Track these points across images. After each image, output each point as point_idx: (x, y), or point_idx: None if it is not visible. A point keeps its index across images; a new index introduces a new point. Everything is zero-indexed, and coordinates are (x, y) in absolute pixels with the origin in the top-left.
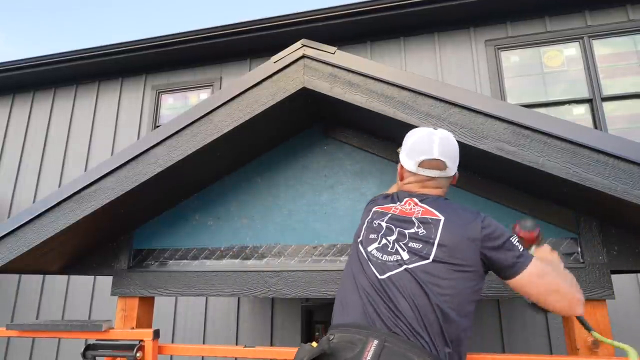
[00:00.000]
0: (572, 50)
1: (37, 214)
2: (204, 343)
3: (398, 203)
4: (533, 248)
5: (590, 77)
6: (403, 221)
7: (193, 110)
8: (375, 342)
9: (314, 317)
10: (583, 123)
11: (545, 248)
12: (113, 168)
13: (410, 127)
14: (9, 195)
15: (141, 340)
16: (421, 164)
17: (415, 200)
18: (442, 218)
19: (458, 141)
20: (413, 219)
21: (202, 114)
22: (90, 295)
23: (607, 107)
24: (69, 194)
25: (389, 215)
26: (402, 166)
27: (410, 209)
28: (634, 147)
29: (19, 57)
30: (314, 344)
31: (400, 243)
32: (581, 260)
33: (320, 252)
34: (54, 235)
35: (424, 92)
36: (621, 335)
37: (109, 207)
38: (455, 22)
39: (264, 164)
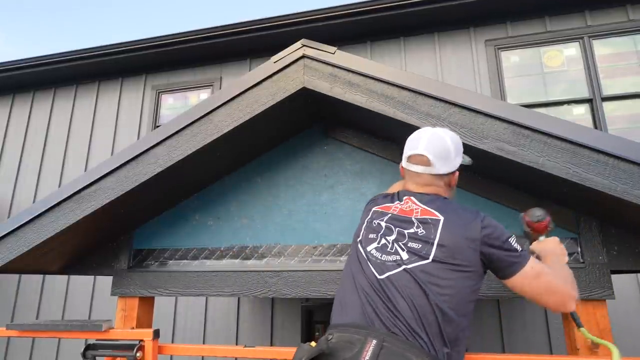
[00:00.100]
0: (572, 50)
1: (37, 214)
2: (204, 343)
3: (398, 202)
4: (541, 238)
5: (590, 77)
6: (402, 221)
7: (193, 110)
8: (374, 342)
9: (314, 317)
10: (583, 123)
11: (553, 240)
12: (113, 168)
13: (410, 127)
14: (9, 195)
15: (141, 340)
16: (409, 159)
17: (414, 199)
18: (441, 218)
19: None
20: (412, 219)
21: (202, 114)
22: (90, 295)
23: (607, 107)
24: (69, 194)
25: (389, 215)
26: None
27: (409, 207)
28: (634, 147)
29: (19, 57)
30: (313, 343)
31: (400, 243)
32: (581, 260)
33: (320, 252)
34: (54, 235)
35: (424, 92)
36: (621, 335)
37: (109, 207)
38: (455, 22)
39: (264, 164)
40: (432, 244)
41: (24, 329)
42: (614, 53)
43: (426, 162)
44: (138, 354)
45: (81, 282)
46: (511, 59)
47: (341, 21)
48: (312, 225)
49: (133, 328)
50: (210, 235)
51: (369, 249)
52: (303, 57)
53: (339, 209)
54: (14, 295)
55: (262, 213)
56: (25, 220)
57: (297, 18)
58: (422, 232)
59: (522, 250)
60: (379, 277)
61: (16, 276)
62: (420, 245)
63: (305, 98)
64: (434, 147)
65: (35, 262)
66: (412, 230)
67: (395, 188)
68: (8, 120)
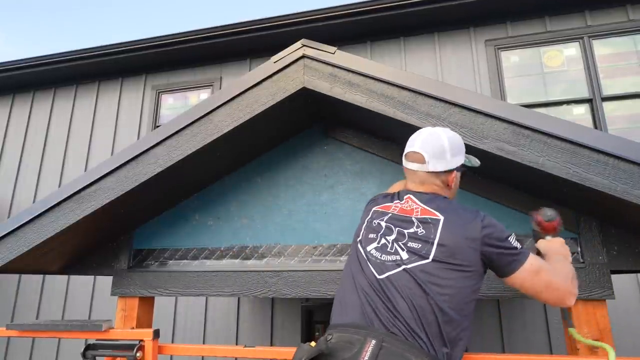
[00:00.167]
0: (572, 50)
1: (37, 214)
2: (204, 343)
3: (398, 201)
4: (548, 237)
5: (590, 77)
6: (402, 220)
7: (193, 110)
8: (373, 342)
9: (314, 317)
10: (583, 123)
11: (559, 240)
12: (113, 168)
13: (410, 127)
14: (9, 195)
15: (141, 340)
16: (406, 157)
17: (414, 198)
18: (441, 218)
19: None
20: (413, 218)
21: (202, 114)
22: (90, 295)
23: (607, 107)
24: (69, 194)
25: (389, 214)
26: None
27: (410, 207)
28: (634, 147)
29: (19, 57)
30: (313, 343)
31: (400, 243)
32: (581, 260)
33: (320, 252)
34: (54, 235)
35: (424, 92)
36: (621, 334)
37: (109, 207)
38: (455, 22)
39: (264, 164)
40: (432, 243)
41: (24, 329)
42: (614, 53)
43: (421, 159)
44: (138, 354)
45: (81, 282)
46: (511, 59)
47: (341, 21)
48: (312, 225)
49: (133, 328)
50: (210, 235)
51: (368, 248)
52: (303, 57)
53: (339, 209)
54: (14, 295)
55: (262, 213)
56: (25, 220)
57: (297, 18)
58: (422, 232)
59: (521, 247)
60: (378, 277)
61: (16, 276)
62: (420, 245)
63: (305, 98)
64: (429, 145)
65: (35, 262)
66: (412, 230)
67: (395, 188)
68: (8, 120)
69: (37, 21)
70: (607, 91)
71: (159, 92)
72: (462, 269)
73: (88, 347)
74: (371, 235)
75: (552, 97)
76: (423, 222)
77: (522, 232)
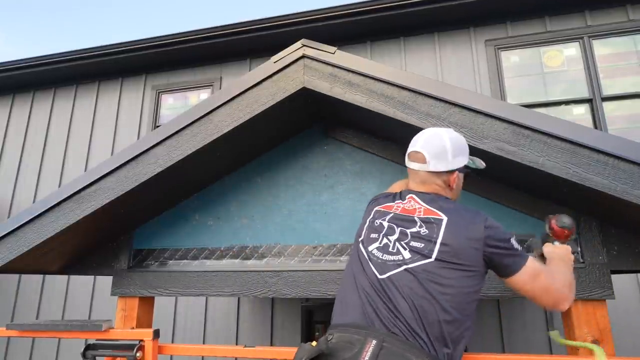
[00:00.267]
0: (572, 50)
1: (37, 214)
2: (204, 343)
3: (400, 201)
4: (556, 243)
5: (590, 77)
6: (405, 220)
7: (193, 110)
8: (374, 342)
9: (314, 317)
10: (583, 123)
11: (565, 247)
12: (113, 168)
13: (410, 127)
14: (9, 195)
15: (141, 340)
16: (408, 156)
17: (416, 198)
18: (444, 218)
19: None
20: (415, 218)
21: (202, 114)
22: (90, 295)
23: (607, 107)
24: (69, 194)
25: (391, 214)
26: None
27: (412, 206)
28: (634, 147)
29: (19, 57)
30: (314, 343)
31: (402, 242)
32: (581, 260)
33: (320, 252)
34: (54, 235)
35: (424, 92)
36: (621, 334)
37: (109, 207)
38: (455, 22)
39: (264, 164)
40: (435, 242)
41: (24, 329)
42: (614, 53)
43: (422, 159)
44: (138, 354)
45: (81, 282)
46: (511, 59)
47: (341, 21)
48: (312, 225)
49: (133, 328)
50: (210, 235)
51: (370, 248)
52: (303, 57)
53: (339, 209)
54: (14, 295)
55: (262, 213)
56: (25, 220)
57: (297, 18)
58: (425, 232)
59: (522, 250)
60: (379, 277)
61: (16, 276)
62: (423, 245)
63: (305, 98)
64: (430, 145)
65: (35, 262)
66: (414, 230)
67: (395, 187)
68: (8, 120)
69: (37, 21)
70: (607, 91)
71: (159, 92)
72: (465, 268)
73: (88, 347)
74: (373, 235)
75: (552, 97)
76: (426, 221)
77: (522, 232)
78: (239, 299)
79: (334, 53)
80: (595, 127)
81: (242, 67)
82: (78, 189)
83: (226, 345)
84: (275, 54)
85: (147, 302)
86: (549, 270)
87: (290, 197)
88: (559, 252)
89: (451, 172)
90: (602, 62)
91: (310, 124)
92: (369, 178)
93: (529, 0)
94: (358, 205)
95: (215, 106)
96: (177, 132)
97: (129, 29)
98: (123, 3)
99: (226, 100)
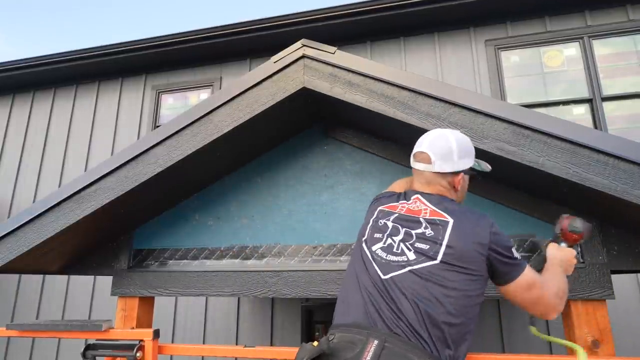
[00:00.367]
0: (572, 50)
1: (37, 214)
2: (204, 343)
3: (404, 201)
4: (563, 244)
5: (590, 77)
6: (410, 221)
7: (193, 110)
8: (376, 342)
9: (314, 317)
10: (583, 123)
11: (570, 251)
12: (113, 168)
13: (411, 127)
14: (9, 195)
15: (141, 340)
16: (414, 157)
17: (422, 199)
18: (450, 220)
19: None
20: (420, 219)
21: (202, 114)
22: (90, 295)
23: (607, 107)
24: (69, 194)
25: (395, 214)
26: None
27: (418, 207)
28: (634, 147)
29: (19, 57)
30: (316, 343)
31: (407, 243)
32: (581, 260)
33: (320, 252)
34: (54, 235)
35: (424, 92)
36: (621, 334)
37: (109, 207)
38: (455, 22)
39: (264, 164)
40: (441, 244)
41: (24, 329)
42: (614, 53)
43: (427, 159)
44: (138, 354)
45: (81, 282)
46: (511, 59)
47: (341, 21)
48: (312, 225)
49: (133, 328)
50: (210, 235)
51: (374, 248)
52: (303, 57)
53: (339, 209)
54: (14, 295)
55: (262, 213)
56: (25, 220)
57: (297, 18)
58: (431, 233)
59: (520, 259)
60: (383, 277)
61: (16, 276)
62: (428, 246)
63: (305, 98)
64: (436, 146)
65: (35, 262)
66: (419, 231)
67: (395, 186)
68: (8, 120)
69: (37, 21)
70: (607, 91)
71: (159, 92)
72: (468, 272)
73: (88, 347)
74: (377, 235)
75: (552, 97)
76: (431, 223)
77: (522, 232)
78: (239, 299)
79: (334, 53)
80: (595, 127)
81: (242, 67)
82: (78, 189)
83: (226, 345)
84: (275, 54)
85: (147, 302)
86: (543, 280)
87: (290, 197)
88: (561, 256)
89: (456, 173)
90: (602, 62)
91: (310, 124)
92: (369, 178)
93: (529, 0)
94: (358, 205)
95: (215, 106)
96: (177, 132)
97: (129, 29)
98: (123, 3)
99: (226, 100)
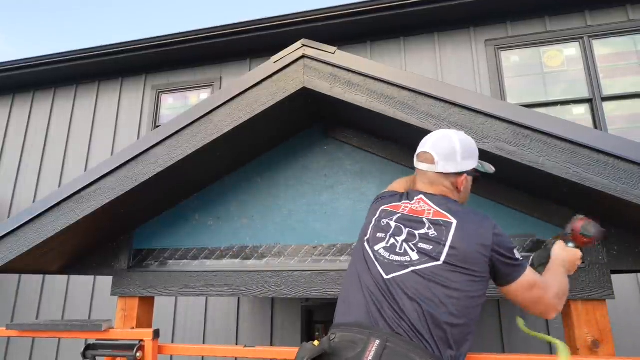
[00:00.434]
0: (572, 50)
1: (37, 214)
2: (204, 343)
3: (407, 201)
4: (570, 245)
5: (590, 77)
6: (413, 221)
7: (193, 110)
8: (377, 342)
9: (314, 317)
10: (583, 123)
11: (576, 252)
12: (113, 168)
13: (411, 127)
14: (9, 195)
15: (141, 340)
16: (417, 157)
17: (425, 199)
18: (454, 221)
19: None
20: (424, 219)
21: (202, 114)
22: (90, 295)
23: (607, 107)
24: (69, 194)
25: (398, 214)
26: None
27: (421, 208)
28: (634, 147)
29: (19, 57)
30: (316, 342)
31: (410, 243)
32: (582, 261)
33: (320, 252)
34: (54, 235)
35: (424, 92)
36: (621, 334)
37: (109, 207)
38: (455, 22)
39: (264, 164)
40: (444, 245)
41: (24, 329)
42: (614, 53)
43: (430, 159)
44: (138, 354)
45: (81, 282)
46: (511, 59)
47: (341, 21)
48: (312, 225)
49: (133, 328)
50: (210, 235)
51: (376, 248)
52: (303, 57)
53: (339, 209)
54: (14, 295)
55: (262, 213)
56: (25, 220)
57: (297, 18)
58: (434, 234)
59: (522, 260)
60: (385, 277)
61: (16, 276)
62: (431, 247)
63: (305, 98)
64: (439, 146)
65: (35, 262)
66: (423, 231)
67: (396, 185)
68: (8, 120)
69: (37, 21)
70: (607, 91)
71: (159, 92)
72: (471, 273)
73: (88, 347)
74: (379, 235)
75: (552, 97)
76: (435, 224)
77: (522, 232)
78: (239, 299)
79: (334, 53)
80: (595, 127)
81: (242, 67)
82: (78, 189)
83: (226, 345)
84: (275, 54)
85: (147, 302)
86: (544, 280)
87: (290, 197)
88: (565, 256)
89: (460, 174)
90: (602, 62)
91: (310, 124)
92: (369, 178)
93: (529, 0)
94: (358, 205)
95: (215, 106)
96: (177, 132)
97: (129, 29)
98: (123, 3)
99: (226, 100)
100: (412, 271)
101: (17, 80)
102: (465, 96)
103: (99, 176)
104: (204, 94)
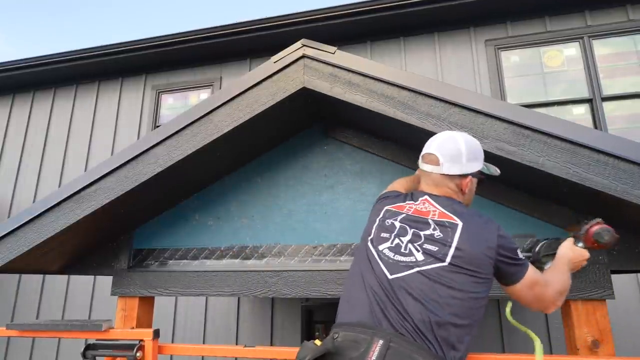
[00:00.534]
0: (572, 50)
1: (37, 214)
2: (204, 343)
3: (412, 202)
4: (580, 244)
5: (590, 77)
6: (418, 222)
7: (193, 110)
8: (381, 342)
9: (314, 317)
10: (583, 123)
11: (583, 253)
12: (113, 168)
13: (411, 127)
14: (9, 195)
15: (141, 340)
16: (422, 158)
17: (431, 200)
18: (460, 223)
19: None
20: (429, 220)
21: (202, 114)
22: (90, 295)
23: (607, 107)
24: (69, 194)
25: (403, 215)
26: None
27: (426, 209)
28: (634, 147)
29: (19, 57)
30: (317, 341)
31: (415, 244)
32: None
33: (320, 252)
34: (54, 235)
35: (424, 92)
36: (621, 334)
37: (109, 207)
38: (455, 22)
39: (264, 164)
40: (450, 247)
41: (24, 329)
42: (614, 53)
43: (435, 161)
44: (138, 354)
45: (81, 282)
46: (511, 59)
47: (341, 21)
48: (312, 225)
49: (133, 328)
50: (210, 235)
51: (380, 247)
52: (303, 57)
53: (339, 209)
54: (14, 295)
55: (262, 213)
56: (25, 220)
57: (297, 18)
58: (440, 235)
59: (524, 259)
60: (390, 277)
61: (16, 276)
62: (437, 248)
63: (305, 98)
64: (445, 148)
65: (35, 262)
66: (428, 232)
67: (396, 185)
68: (8, 120)
69: (37, 21)
70: (607, 91)
71: (159, 92)
72: (476, 275)
73: (88, 347)
74: (384, 235)
75: (552, 97)
76: (440, 225)
77: (522, 232)
78: (239, 299)
79: (334, 53)
80: (595, 127)
81: (242, 67)
82: (78, 189)
83: (226, 345)
84: (275, 54)
85: (147, 302)
86: (545, 278)
87: (290, 197)
88: (571, 256)
89: (464, 176)
90: (602, 62)
91: (310, 124)
92: (369, 178)
93: (529, 0)
94: (358, 205)
95: (215, 106)
96: (177, 132)
97: (129, 29)
98: (123, 3)
99: (226, 100)
100: (418, 272)
101: (17, 80)
102: (465, 96)
103: (99, 176)
104: (204, 94)
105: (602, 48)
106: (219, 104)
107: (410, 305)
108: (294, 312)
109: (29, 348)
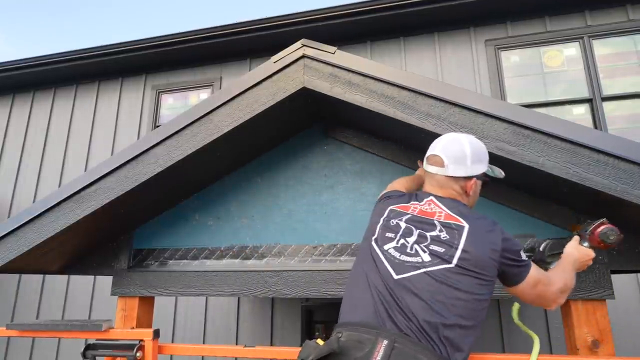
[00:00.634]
0: (572, 50)
1: (37, 214)
2: (204, 343)
3: (416, 202)
4: (585, 244)
5: (590, 77)
6: (424, 222)
7: (193, 110)
8: (385, 342)
9: (314, 317)
10: (583, 123)
11: (589, 252)
12: (113, 168)
13: (411, 127)
14: (9, 195)
15: (141, 340)
16: (427, 160)
17: (436, 201)
18: (466, 225)
19: None
20: (435, 221)
21: (202, 114)
22: (90, 295)
23: (607, 107)
24: (69, 194)
25: (408, 215)
26: None
27: (432, 210)
28: (634, 147)
29: (19, 57)
30: (319, 341)
31: (421, 245)
32: None
33: (320, 252)
34: (54, 235)
35: (424, 92)
36: (621, 334)
37: (109, 207)
38: (455, 22)
39: (264, 164)
40: (457, 248)
41: (24, 329)
42: (614, 53)
43: (440, 163)
44: (138, 354)
45: (81, 282)
46: (511, 59)
47: (341, 21)
48: (312, 225)
49: (133, 328)
50: (210, 235)
51: (386, 247)
52: (303, 57)
53: (339, 209)
54: (14, 295)
55: (262, 213)
56: (25, 220)
57: (297, 18)
58: (446, 236)
59: (527, 260)
60: (395, 277)
61: (16, 276)
62: (443, 249)
63: (305, 98)
64: (449, 150)
65: (35, 262)
66: (434, 233)
67: (396, 184)
68: (8, 120)
69: (37, 21)
70: (607, 91)
71: (159, 92)
72: (481, 277)
73: (88, 347)
74: (388, 235)
75: (552, 97)
76: (447, 226)
77: (522, 232)
78: (239, 299)
79: (334, 53)
80: (595, 127)
81: (242, 67)
82: (78, 189)
83: (226, 345)
84: (275, 54)
85: (147, 302)
86: (547, 276)
87: (290, 197)
88: (576, 256)
89: (469, 178)
90: (602, 62)
91: (310, 124)
92: (369, 178)
93: (529, 0)
94: (358, 205)
95: (215, 106)
96: (177, 132)
97: (129, 29)
98: (123, 3)
99: (226, 100)
100: (424, 272)
101: (17, 80)
102: (465, 96)
103: (99, 176)
104: (204, 94)
105: (602, 48)
106: (219, 104)
107: (416, 305)
108: (294, 312)
109: (29, 348)
